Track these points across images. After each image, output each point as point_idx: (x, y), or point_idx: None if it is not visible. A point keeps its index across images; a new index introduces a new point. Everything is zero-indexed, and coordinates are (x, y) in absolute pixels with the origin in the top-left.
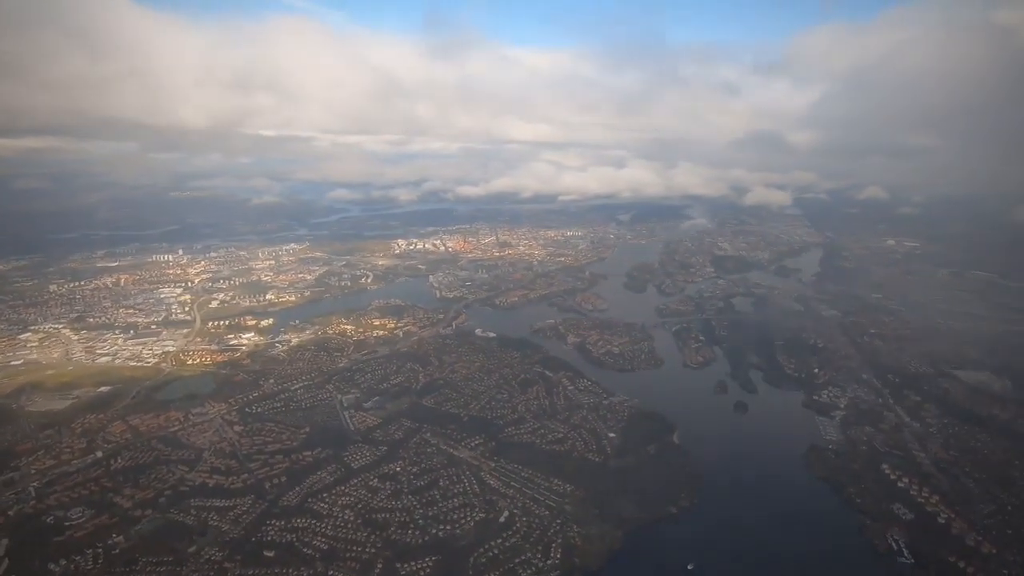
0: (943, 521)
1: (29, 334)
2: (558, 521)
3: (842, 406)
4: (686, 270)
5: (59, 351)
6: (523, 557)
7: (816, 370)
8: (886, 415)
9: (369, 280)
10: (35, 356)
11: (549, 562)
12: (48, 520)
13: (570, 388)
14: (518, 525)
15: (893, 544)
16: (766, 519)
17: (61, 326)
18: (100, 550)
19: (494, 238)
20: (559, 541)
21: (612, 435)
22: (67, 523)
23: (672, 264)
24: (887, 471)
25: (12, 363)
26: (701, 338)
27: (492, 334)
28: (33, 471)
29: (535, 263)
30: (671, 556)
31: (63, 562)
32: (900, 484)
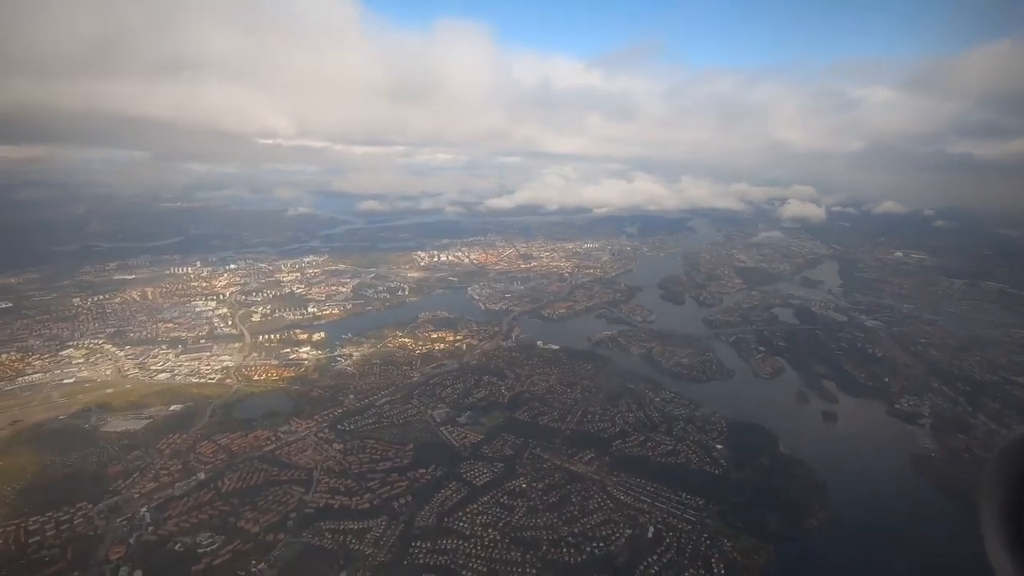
0: None
1: (71, 350)
2: (705, 535)
3: (926, 414)
4: (716, 281)
5: (110, 368)
6: (687, 574)
7: (886, 379)
8: (972, 422)
9: (406, 292)
10: (85, 373)
11: None
12: (177, 547)
13: (657, 400)
14: (668, 540)
15: None
16: (903, 529)
17: (101, 341)
18: None
19: (514, 250)
20: (716, 556)
21: (720, 447)
22: (200, 550)
23: (700, 276)
24: None
25: (64, 381)
26: (761, 348)
27: (555, 346)
28: (136, 495)
29: (566, 275)
30: (827, 569)
31: None
32: None
